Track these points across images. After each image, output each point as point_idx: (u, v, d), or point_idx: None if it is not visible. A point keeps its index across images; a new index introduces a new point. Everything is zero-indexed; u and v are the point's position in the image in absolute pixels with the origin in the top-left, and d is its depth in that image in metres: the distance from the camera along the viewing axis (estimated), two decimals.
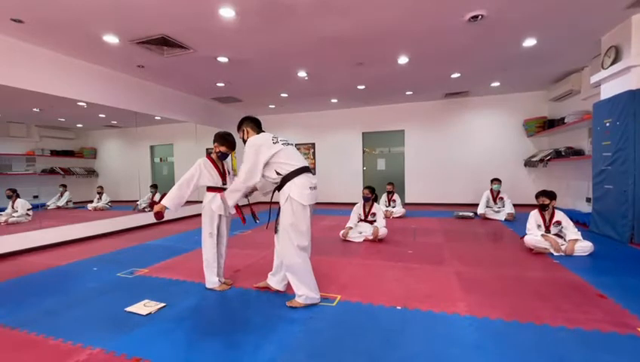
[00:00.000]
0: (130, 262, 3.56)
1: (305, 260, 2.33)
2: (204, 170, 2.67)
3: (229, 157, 2.90)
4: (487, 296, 2.44)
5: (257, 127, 2.55)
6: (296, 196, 2.25)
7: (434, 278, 2.86)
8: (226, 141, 2.72)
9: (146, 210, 6.46)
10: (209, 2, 3.26)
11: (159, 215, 2.58)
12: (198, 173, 2.64)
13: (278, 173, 2.32)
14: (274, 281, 2.63)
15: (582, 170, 5.70)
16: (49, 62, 4.34)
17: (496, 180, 6.14)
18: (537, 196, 3.71)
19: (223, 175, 2.74)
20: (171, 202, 2.57)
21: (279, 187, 2.36)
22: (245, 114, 9.27)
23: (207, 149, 7.17)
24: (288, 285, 2.53)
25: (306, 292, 2.31)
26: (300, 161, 2.35)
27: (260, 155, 2.29)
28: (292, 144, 2.45)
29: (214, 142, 2.73)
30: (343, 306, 2.33)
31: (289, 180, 2.28)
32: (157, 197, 6.75)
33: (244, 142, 2.47)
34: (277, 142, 2.35)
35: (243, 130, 2.56)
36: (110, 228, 5.37)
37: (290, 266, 2.32)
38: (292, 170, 2.29)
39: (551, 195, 3.63)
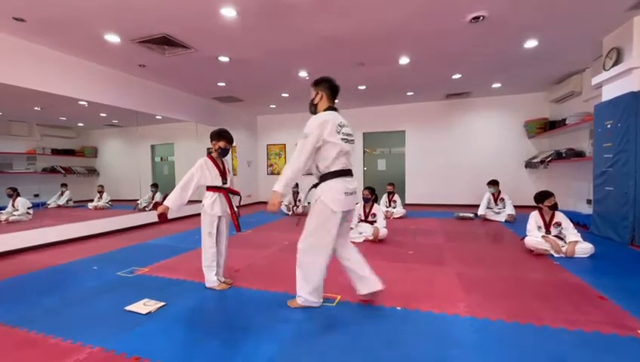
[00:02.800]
0: (131, 261, 3.56)
1: (316, 263, 2.19)
2: (205, 169, 2.68)
3: (230, 155, 2.91)
4: (487, 296, 2.44)
5: (332, 98, 2.29)
6: (328, 200, 2.12)
7: (434, 279, 2.86)
8: (222, 136, 2.73)
9: (146, 209, 6.47)
10: (210, 2, 3.26)
11: (163, 216, 2.59)
12: (199, 173, 2.65)
13: (317, 168, 2.18)
14: (365, 288, 2.31)
15: (582, 172, 5.69)
16: (50, 61, 4.35)
17: (491, 183, 6.09)
18: (546, 197, 3.64)
19: (223, 174, 2.74)
20: (173, 203, 2.58)
21: (316, 184, 2.23)
22: (246, 113, 9.37)
23: (207, 149, 7.15)
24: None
25: (305, 295, 2.25)
26: (345, 164, 2.19)
27: (320, 135, 2.08)
28: (353, 141, 2.26)
29: (212, 140, 2.75)
30: (343, 306, 2.33)
31: (325, 180, 2.15)
32: (157, 196, 6.76)
33: (312, 105, 2.29)
34: (339, 131, 2.15)
35: (317, 92, 2.28)
36: (110, 227, 5.37)
37: (301, 262, 2.23)
38: (332, 170, 2.14)
39: (553, 194, 3.64)
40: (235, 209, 2.82)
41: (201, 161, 2.70)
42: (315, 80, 2.30)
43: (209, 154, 2.79)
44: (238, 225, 2.82)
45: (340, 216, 2.16)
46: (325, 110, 2.23)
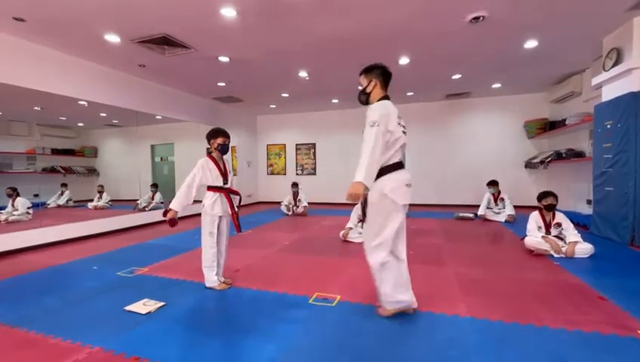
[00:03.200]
0: (130, 261, 3.56)
1: (389, 260, 2.05)
2: (206, 169, 2.67)
3: (230, 155, 2.90)
4: (487, 297, 2.44)
5: (386, 85, 2.15)
6: (393, 193, 1.98)
7: (434, 279, 2.86)
8: (219, 133, 2.72)
9: (146, 209, 6.47)
10: (210, 2, 3.26)
11: (172, 222, 2.62)
12: (200, 174, 2.65)
13: None
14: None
15: (582, 172, 5.69)
16: (50, 61, 4.34)
17: (491, 183, 6.11)
18: (543, 196, 3.67)
19: (224, 174, 2.74)
20: (179, 206, 2.61)
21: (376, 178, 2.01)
22: (246, 113, 9.39)
23: (207, 149, 7.17)
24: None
25: (394, 295, 2.06)
26: (401, 155, 2.09)
27: (386, 126, 1.94)
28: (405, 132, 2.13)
29: (210, 139, 2.73)
30: (343, 306, 2.33)
31: (385, 174, 1.99)
32: (157, 196, 6.76)
33: (364, 94, 2.15)
34: (399, 123, 2.04)
35: (370, 80, 2.13)
36: (110, 227, 5.37)
37: (375, 263, 2.06)
38: (392, 162, 2.02)
39: (555, 195, 3.64)
40: (236, 209, 2.82)
41: (202, 161, 2.70)
42: (365, 67, 2.15)
43: (209, 154, 2.78)
44: (239, 225, 2.82)
45: (402, 209, 2.05)
46: (380, 99, 2.08)
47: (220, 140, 2.71)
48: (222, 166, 2.76)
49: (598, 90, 4.71)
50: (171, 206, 2.61)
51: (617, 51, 4.10)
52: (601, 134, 4.36)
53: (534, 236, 3.63)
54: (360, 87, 2.18)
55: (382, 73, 2.12)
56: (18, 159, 5.68)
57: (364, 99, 2.16)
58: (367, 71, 2.14)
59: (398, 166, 2.04)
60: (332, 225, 5.57)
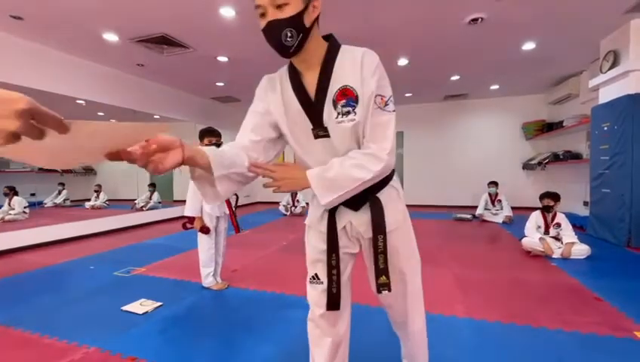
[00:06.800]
0: (127, 261, 3.55)
1: None
2: None
3: None
4: (485, 298, 2.44)
5: None
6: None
7: (432, 280, 2.85)
8: (206, 133, 2.66)
9: (143, 208, 6.45)
10: (209, 2, 3.26)
11: (206, 229, 2.60)
12: None
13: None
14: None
15: (580, 174, 5.72)
16: (48, 59, 4.32)
17: (492, 183, 6.15)
18: (542, 197, 3.71)
19: None
20: (196, 210, 2.59)
21: (379, 185, 1.10)
22: (244, 113, 9.40)
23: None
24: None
25: None
26: None
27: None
28: None
29: (204, 138, 2.67)
30: None
31: (393, 178, 1.19)
32: (155, 196, 6.73)
33: (296, 29, 0.96)
34: None
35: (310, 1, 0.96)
36: (107, 226, 5.35)
37: (422, 329, 1.44)
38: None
39: (555, 197, 3.65)
40: (234, 209, 2.81)
41: None
42: None
43: None
44: (237, 226, 2.81)
45: None
46: (331, 44, 1.16)
47: (206, 141, 2.64)
48: None
49: (595, 92, 4.73)
50: (188, 213, 2.57)
51: (614, 54, 4.12)
52: (598, 136, 4.38)
53: (531, 236, 3.65)
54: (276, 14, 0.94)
55: None
56: None
57: (296, 40, 0.98)
58: None
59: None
60: None
